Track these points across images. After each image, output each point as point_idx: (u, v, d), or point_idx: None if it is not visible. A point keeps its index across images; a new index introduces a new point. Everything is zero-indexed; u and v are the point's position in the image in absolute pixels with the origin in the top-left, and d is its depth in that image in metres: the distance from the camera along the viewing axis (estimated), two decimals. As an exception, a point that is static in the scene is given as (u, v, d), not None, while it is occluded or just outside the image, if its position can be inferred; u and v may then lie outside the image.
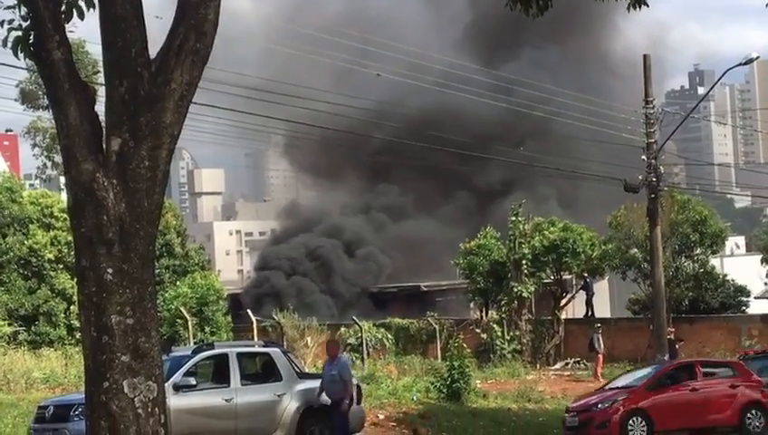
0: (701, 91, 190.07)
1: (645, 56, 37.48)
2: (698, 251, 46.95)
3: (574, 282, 48.28)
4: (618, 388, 27.46)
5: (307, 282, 59.33)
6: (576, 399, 29.12)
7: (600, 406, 26.50)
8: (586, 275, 47.29)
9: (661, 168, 35.42)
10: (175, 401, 20.23)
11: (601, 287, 54.35)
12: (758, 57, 36.89)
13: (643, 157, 35.41)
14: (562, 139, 59.16)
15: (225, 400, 21.42)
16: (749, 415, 27.30)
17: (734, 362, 31.85)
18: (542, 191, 61.01)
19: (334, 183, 72.60)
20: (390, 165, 62.89)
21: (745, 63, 36.55)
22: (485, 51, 68.69)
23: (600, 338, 41.46)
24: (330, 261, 60.94)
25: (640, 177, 35.16)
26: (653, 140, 35.46)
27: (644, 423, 26.10)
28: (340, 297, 58.74)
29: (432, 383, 32.57)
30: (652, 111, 35.23)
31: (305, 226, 65.33)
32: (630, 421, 26.02)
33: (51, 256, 44.33)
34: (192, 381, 21.40)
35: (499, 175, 62.05)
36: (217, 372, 22.29)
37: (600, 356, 41.21)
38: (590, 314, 48.67)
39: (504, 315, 45.83)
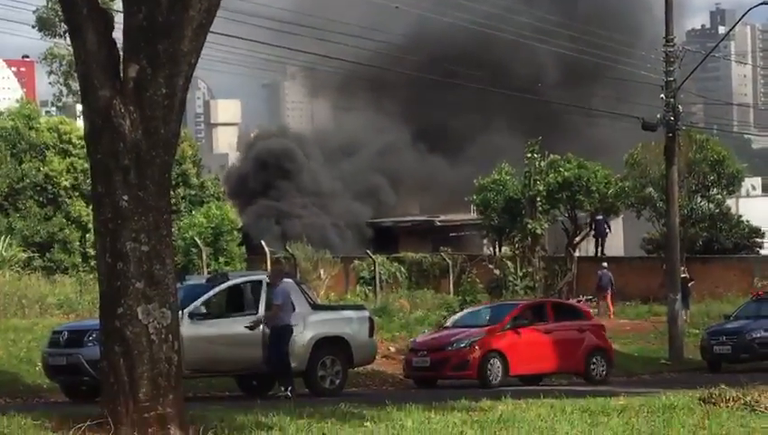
0: (722, 30, 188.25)
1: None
2: (714, 191, 46.85)
3: (588, 219, 48.23)
4: (468, 326, 26.12)
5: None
6: (419, 336, 27.68)
7: (455, 345, 25.03)
8: (600, 215, 47.25)
9: (680, 106, 35.19)
10: (193, 330, 20.40)
11: (615, 226, 54.30)
12: (780, -3, 36.55)
13: (662, 95, 35.17)
14: (578, 76, 58.54)
15: (248, 328, 21.48)
16: (593, 361, 26.53)
17: (579, 305, 31.43)
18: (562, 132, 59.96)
19: (360, 113, 70.85)
20: (414, 99, 61.88)
21: (767, 3, 36.23)
22: None
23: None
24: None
25: (658, 115, 34.94)
26: (672, 79, 35.19)
27: (500, 365, 24.86)
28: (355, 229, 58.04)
29: (444, 317, 32.71)
30: (672, 50, 34.91)
31: (336, 154, 63.38)
32: (489, 363, 24.74)
33: (67, 183, 44.33)
34: (207, 310, 21.53)
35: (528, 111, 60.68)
36: (233, 302, 22.37)
37: (611, 293, 41.52)
38: (599, 253, 48.85)
39: (517, 252, 45.85)
